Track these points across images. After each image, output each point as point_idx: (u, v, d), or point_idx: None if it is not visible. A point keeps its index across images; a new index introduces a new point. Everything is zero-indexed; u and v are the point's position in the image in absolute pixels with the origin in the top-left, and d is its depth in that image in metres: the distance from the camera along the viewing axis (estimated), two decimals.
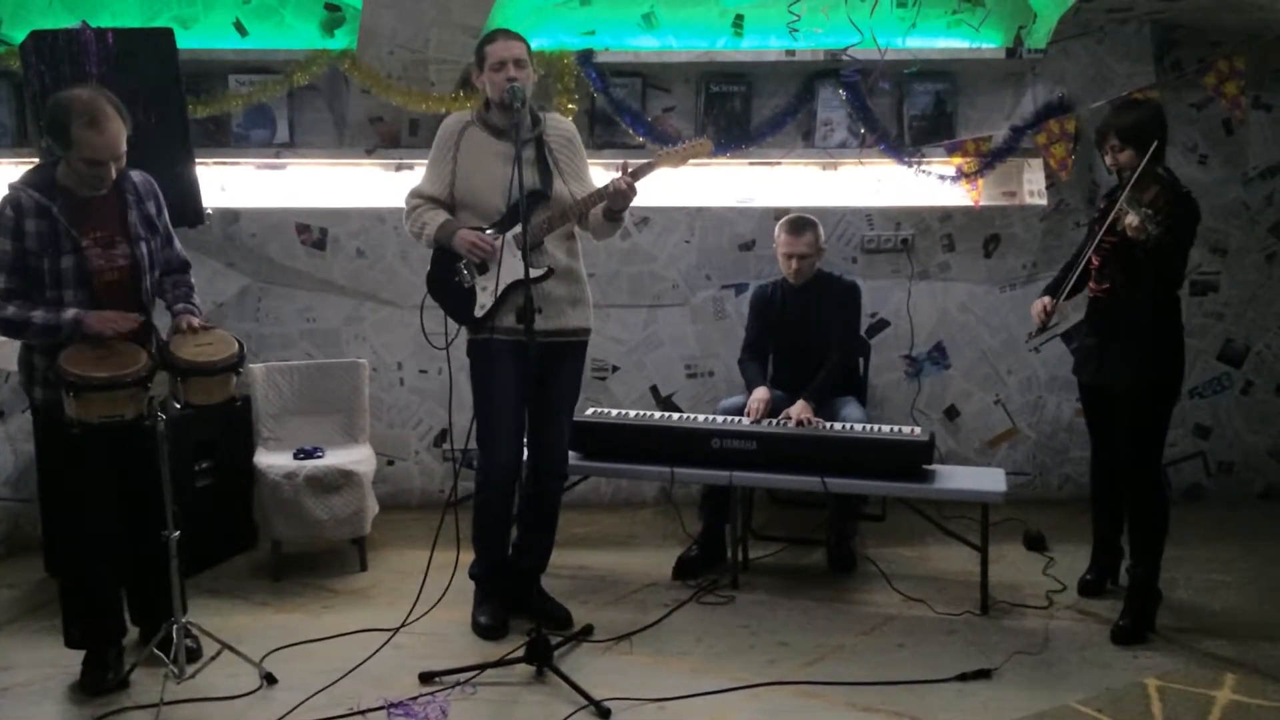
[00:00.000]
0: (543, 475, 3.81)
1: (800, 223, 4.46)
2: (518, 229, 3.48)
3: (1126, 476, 3.78)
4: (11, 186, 3.25)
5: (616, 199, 3.55)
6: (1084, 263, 3.81)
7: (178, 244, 3.54)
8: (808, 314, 4.49)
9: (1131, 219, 3.43)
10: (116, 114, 3.16)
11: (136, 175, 3.38)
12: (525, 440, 3.81)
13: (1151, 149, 3.59)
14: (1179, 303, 3.76)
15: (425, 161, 3.79)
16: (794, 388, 4.39)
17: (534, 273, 3.45)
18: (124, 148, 3.19)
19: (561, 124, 3.81)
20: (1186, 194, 3.63)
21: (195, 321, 3.36)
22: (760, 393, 4.33)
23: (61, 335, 3.14)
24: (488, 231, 3.59)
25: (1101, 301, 3.81)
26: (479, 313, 3.61)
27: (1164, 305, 3.72)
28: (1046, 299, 3.93)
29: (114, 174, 3.22)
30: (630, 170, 3.54)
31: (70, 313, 3.15)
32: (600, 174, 3.67)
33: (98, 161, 3.15)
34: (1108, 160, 3.76)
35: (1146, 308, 3.68)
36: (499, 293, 3.55)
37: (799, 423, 4.16)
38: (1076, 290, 3.91)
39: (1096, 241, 3.73)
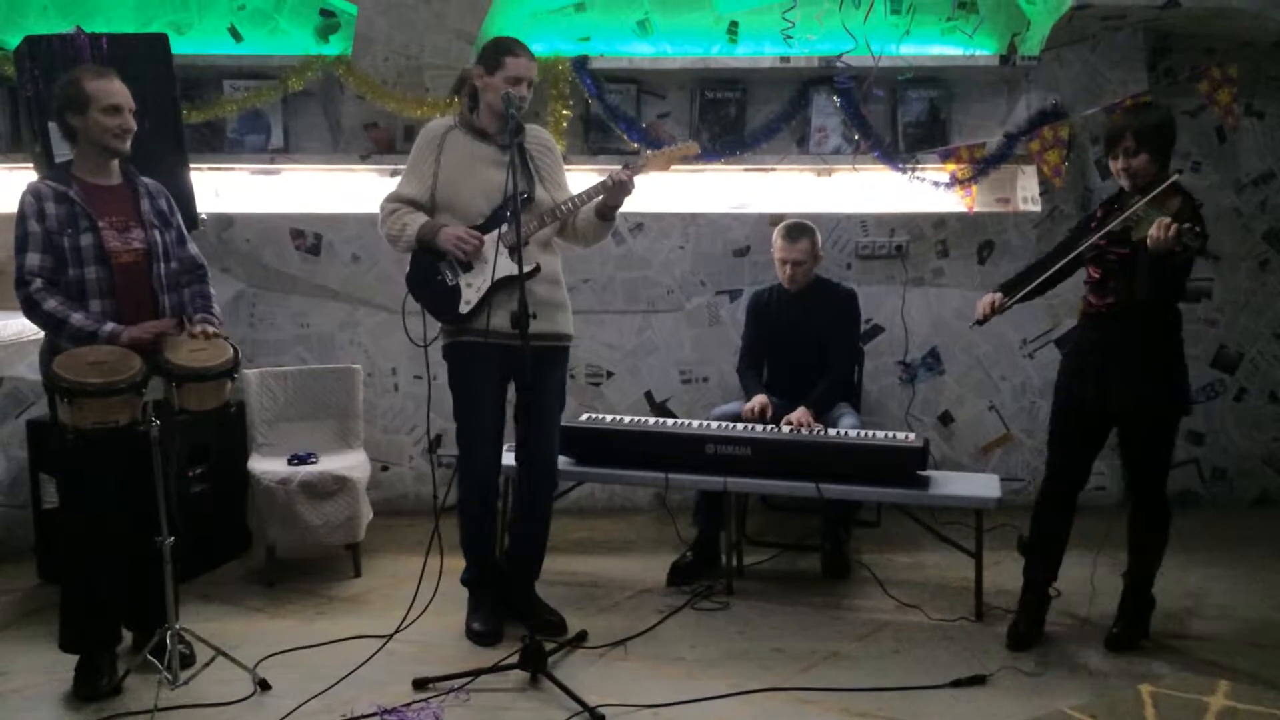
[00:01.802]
0: (534, 484, 3.79)
1: (797, 229, 4.46)
2: (503, 229, 3.48)
3: (1134, 493, 3.67)
4: (30, 182, 3.35)
5: (616, 192, 3.56)
6: (1052, 273, 3.63)
7: (193, 246, 3.58)
8: (805, 320, 4.49)
9: (1161, 231, 3.21)
10: (120, 81, 3.29)
11: (148, 179, 3.47)
12: (513, 444, 3.81)
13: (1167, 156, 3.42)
14: (1180, 319, 3.59)
15: None
16: (790, 394, 4.40)
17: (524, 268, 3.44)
18: (134, 105, 3.29)
19: (540, 133, 3.82)
20: (1200, 206, 3.47)
21: (209, 329, 3.37)
22: (760, 399, 4.33)
23: (94, 344, 3.18)
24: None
25: (1102, 317, 3.59)
26: (464, 309, 3.60)
27: (1169, 321, 3.55)
28: (999, 296, 3.68)
29: (132, 125, 3.29)
30: (631, 164, 3.57)
31: (109, 326, 3.20)
32: (593, 180, 3.67)
33: (115, 107, 3.24)
34: (1118, 165, 3.49)
35: (1152, 324, 3.50)
36: (485, 289, 3.55)
37: (798, 427, 4.16)
38: (1035, 295, 3.75)
39: (1099, 253, 3.56)
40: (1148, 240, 3.27)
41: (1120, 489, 5.30)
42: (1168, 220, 3.23)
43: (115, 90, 3.25)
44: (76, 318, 3.18)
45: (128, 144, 3.32)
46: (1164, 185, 3.39)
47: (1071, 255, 3.60)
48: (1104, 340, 3.59)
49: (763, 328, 4.60)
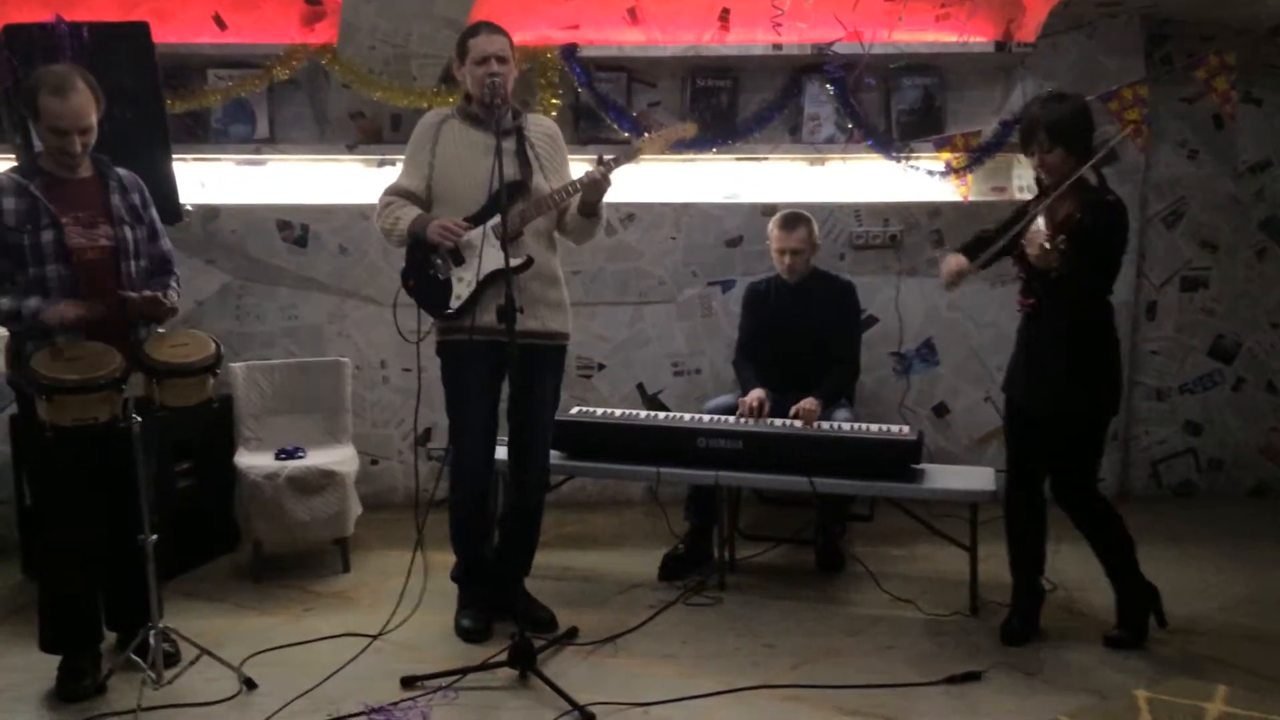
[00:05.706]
0: (524, 482, 3.75)
1: (794, 218, 4.41)
2: (495, 220, 3.42)
3: (1063, 499, 3.62)
4: None
5: (591, 190, 3.52)
6: (1009, 240, 3.46)
7: (166, 242, 3.50)
8: (803, 312, 4.44)
9: (1035, 244, 3.17)
10: (88, 89, 3.17)
11: (123, 171, 3.39)
12: (506, 441, 3.77)
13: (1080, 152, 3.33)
14: (1110, 315, 3.49)
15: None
16: (786, 386, 4.34)
17: (513, 262, 3.39)
18: (91, 122, 3.19)
19: (543, 122, 3.79)
20: (1115, 201, 3.37)
21: (148, 294, 3.22)
22: (758, 393, 4.27)
23: (22, 323, 3.12)
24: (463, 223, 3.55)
25: (1028, 316, 3.56)
26: (455, 304, 3.56)
27: (1095, 320, 3.46)
28: (964, 261, 3.52)
29: (80, 148, 3.19)
30: (613, 157, 3.51)
31: (32, 302, 3.12)
32: (584, 170, 3.62)
33: (61, 131, 3.14)
34: (1033, 161, 3.42)
35: (1075, 324, 3.42)
36: (476, 282, 3.50)
37: (808, 415, 4.12)
38: (993, 262, 3.58)
39: (1019, 253, 3.47)
40: (1026, 252, 3.25)
41: (1119, 483, 5.29)
42: (1040, 244, 3.18)
43: (64, 113, 3.11)
44: (3, 301, 3.12)
45: (76, 162, 3.22)
46: (1055, 193, 3.32)
47: (1016, 229, 3.44)
48: (1028, 339, 3.58)
49: (760, 320, 4.55)
